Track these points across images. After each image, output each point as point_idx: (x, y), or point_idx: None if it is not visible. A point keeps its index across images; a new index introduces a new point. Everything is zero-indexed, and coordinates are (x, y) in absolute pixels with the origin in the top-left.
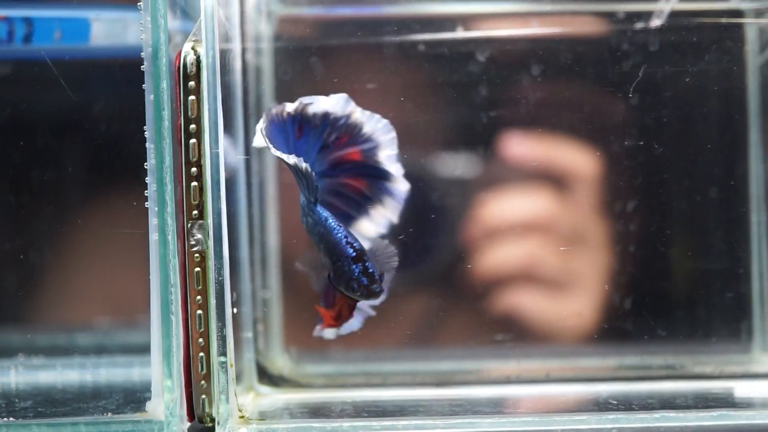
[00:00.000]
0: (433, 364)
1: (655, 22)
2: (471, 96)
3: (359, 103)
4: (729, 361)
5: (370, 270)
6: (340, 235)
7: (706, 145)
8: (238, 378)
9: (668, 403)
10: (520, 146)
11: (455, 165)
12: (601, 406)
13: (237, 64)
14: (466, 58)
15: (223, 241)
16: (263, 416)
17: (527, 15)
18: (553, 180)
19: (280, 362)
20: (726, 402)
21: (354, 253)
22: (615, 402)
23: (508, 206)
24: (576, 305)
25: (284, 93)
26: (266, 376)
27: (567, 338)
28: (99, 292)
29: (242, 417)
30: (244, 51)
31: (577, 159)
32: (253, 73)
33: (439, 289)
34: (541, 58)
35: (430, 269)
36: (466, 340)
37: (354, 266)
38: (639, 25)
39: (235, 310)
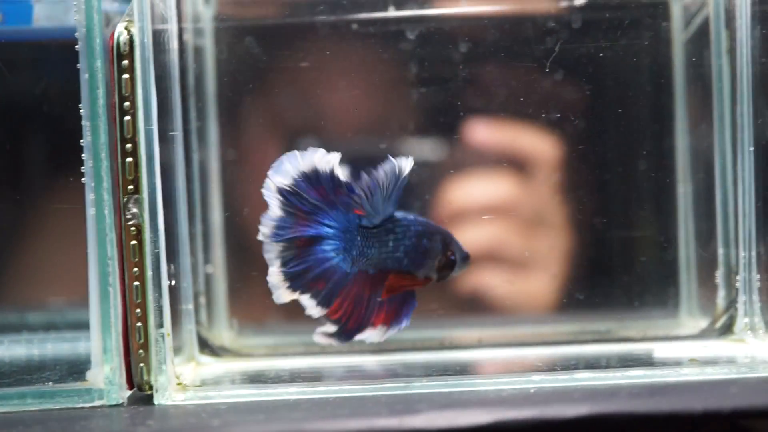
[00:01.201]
0: None
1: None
2: (403, 74)
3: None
4: (656, 325)
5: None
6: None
7: (634, 119)
8: (180, 348)
9: (590, 364)
10: (484, 132)
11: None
12: (526, 368)
13: (173, 44)
14: (396, 36)
15: (158, 215)
16: (202, 383)
17: None
18: (515, 165)
19: (223, 333)
20: (644, 362)
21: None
22: (540, 364)
23: (472, 190)
24: (536, 282)
25: (224, 72)
26: (208, 347)
27: (504, 309)
28: (47, 270)
29: (180, 384)
30: (181, 31)
31: (538, 144)
32: (192, 53)
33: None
34: (469, 36)
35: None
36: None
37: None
38: (564, 3)
39: (172, 282)
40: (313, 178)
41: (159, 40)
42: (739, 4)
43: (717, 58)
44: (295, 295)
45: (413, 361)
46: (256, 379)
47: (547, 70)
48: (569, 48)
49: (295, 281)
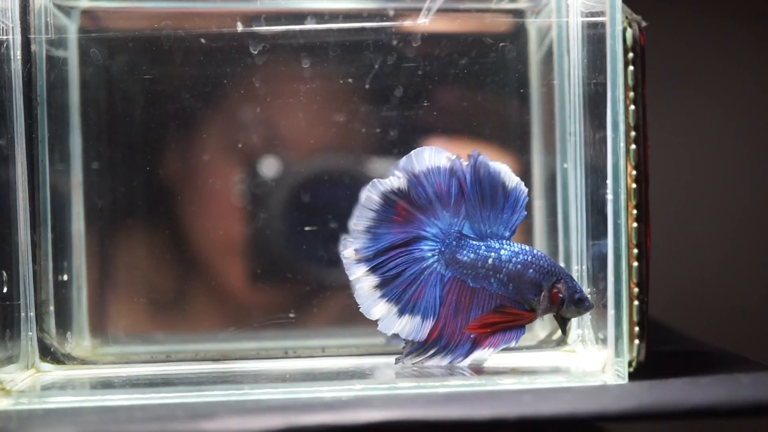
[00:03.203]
0: (214, 344)
1: (422, 20)
2: (247, 87)
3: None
4: None
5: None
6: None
7: (493, 137)
8: (17, 356)
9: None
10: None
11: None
12: (356, 376)
13: (15, 53)
14: (242, 51)
15: None
16: (34, 390)
17: (302, 12)
18: None
19: (71, 342)
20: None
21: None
22: (368, 372)
23: None
24: None
25: (85, 83)
26: (51, 354)
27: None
28: None
29: (3, 390)
30: (28, 42)
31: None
32: (44, 63)
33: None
34: (312, 52)
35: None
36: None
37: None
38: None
39: (4, 289)
40: (432, 174)
41: None
42: (573, 26)
43: (559, 79)
44: (388, 306)
45: (256, 370)
46: (98, 385)
47: (367, 86)
48: (376, 65)
49: (387, 287)
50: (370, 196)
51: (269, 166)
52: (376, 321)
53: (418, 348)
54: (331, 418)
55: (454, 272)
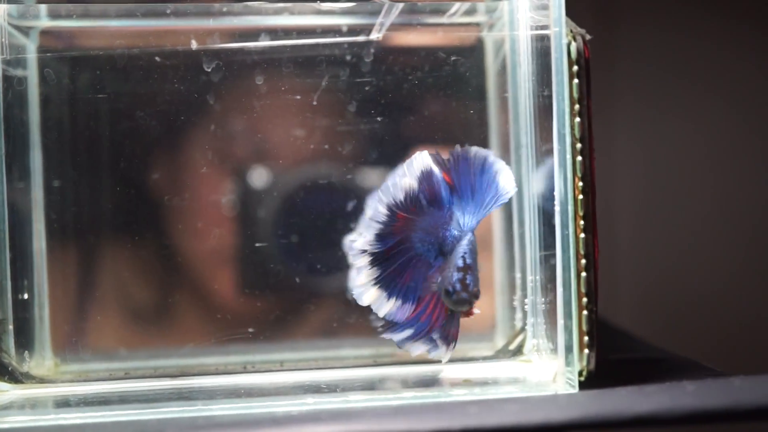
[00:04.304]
0: (175, 360)
1: (375, 35)
2: (203, 104)
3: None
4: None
5: (468, 282)
6: (461, 249)
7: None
8: None
9: (370, 386)
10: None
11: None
12: (310, 389)
13: None
14: (196, 68)
15: None
16: (2, 408)
17: (256, 29)
18: None
19: (30, 361)
20: (425, 383)
21: (462, 264)
22: (324, 387)
23: None
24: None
25: (48, 101)
26: (8, 374)
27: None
28: None
29: None
30: None
31: None
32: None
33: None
34: (265, 69)
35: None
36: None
37: (456, 274)
38: (363, 37)
39: None
40: (425, 180)
41: None
42: (522, 39)
43: (513, 91)
44: (379, 293)
45: (213, 385)
46: (51, 405)
47: (315, 103)
48: (324, 81)
49: (382, 278)
50: (377, 208)
51: (232, 180)
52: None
53: (392, 326)
54: None
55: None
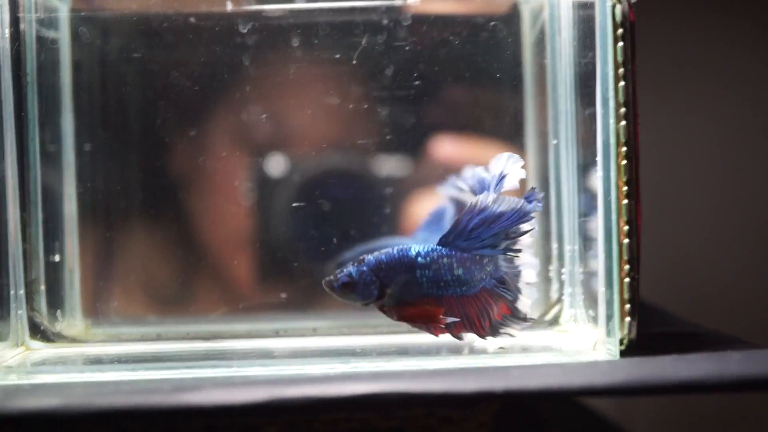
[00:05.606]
0: (206, 326)
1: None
2: (236, 66)
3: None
4: None
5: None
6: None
7: (485, 121)
8: (8, 333)
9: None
10: (449, 148)
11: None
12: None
13: (4, 32)
14: (231, 30)
15: None
16: (35, 364)
17: None
18: None
19: (62, 321)
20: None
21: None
22: (360, 351)
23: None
24: None
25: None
26: (41, 333)
27: None
28: None
29: None
30: (17, 20)
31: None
32: (34, 42)
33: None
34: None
35: None
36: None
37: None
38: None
39: None
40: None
41: None
42: (564, 5)
43: (552, 60)
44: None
45: (246, 348)
46: (83, 362)
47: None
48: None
49: None
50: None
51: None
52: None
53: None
54: (316, 391)
55: None
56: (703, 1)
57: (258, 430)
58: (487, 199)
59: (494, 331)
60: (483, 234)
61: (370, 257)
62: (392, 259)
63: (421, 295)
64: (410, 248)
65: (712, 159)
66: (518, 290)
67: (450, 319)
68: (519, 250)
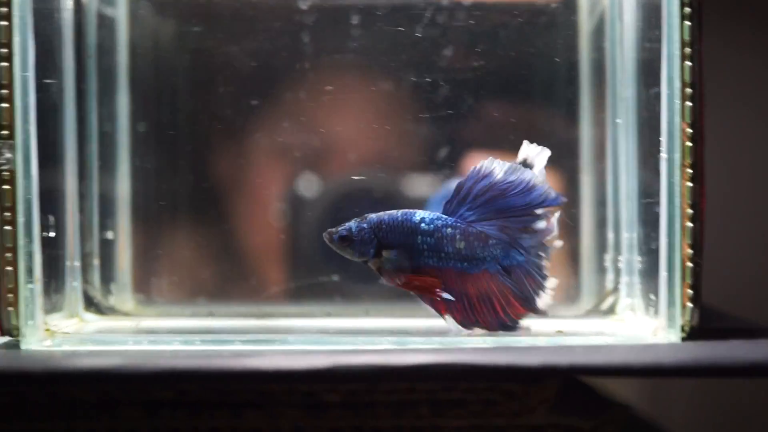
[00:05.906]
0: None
1: None
2: (298, 48)
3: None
4: None
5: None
6: None
7: (540, 109)
8: (61, 304)
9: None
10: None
11: None
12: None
13: (67, 2)
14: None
15: (32, 162)
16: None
17: None
18: None
19: (113, 294)
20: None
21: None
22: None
23: None
24: None
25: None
26: (94, 305)
27: None
28: None
29: (48, 330)
30: None
31: None
32: (94, 17)
33: None
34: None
35: None
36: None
37: None
38: None
39: (51, 233)
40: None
41: None
42: None
43: (612, 47)
44: None
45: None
46: (138, 332)
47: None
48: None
49: None
50: None
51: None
52: None
53: None
54: (379, 359)
55: None
56: None
57: (318, 396)
58: (491, 164)
59: (494, 324)
60: (491, 206)
61: (373, 216)
62: (394, 220)
63: (421, 263)
64: (415, 213)
65: None
66: (526, 289)
67: (446, 296)
68: (543, 251)
